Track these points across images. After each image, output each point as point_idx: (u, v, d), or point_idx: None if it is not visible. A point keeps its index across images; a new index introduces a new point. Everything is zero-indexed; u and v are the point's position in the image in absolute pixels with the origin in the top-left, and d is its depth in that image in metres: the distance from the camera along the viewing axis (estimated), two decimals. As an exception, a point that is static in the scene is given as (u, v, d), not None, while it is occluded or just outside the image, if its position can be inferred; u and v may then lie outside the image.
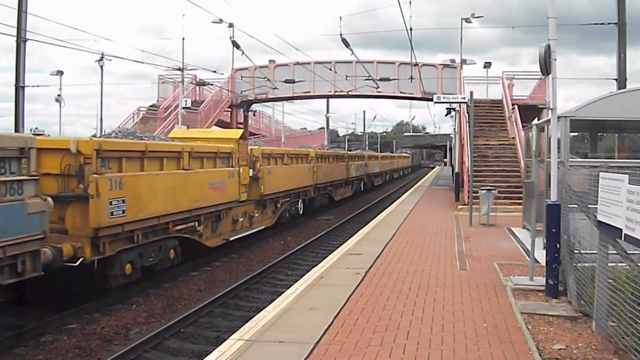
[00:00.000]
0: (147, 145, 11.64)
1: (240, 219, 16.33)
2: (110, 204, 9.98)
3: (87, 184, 9.59)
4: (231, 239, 15.54)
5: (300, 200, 22.96)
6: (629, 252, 5.75)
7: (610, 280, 5.95)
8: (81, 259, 9.48)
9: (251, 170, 17.20)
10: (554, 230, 7.92)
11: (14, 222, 7.94)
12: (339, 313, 7.19)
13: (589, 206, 6.72)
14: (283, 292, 8.89)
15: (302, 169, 23.27)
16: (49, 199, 8.71)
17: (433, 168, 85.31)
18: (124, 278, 10.71)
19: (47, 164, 9.53)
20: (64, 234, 9.57)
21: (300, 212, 23.14)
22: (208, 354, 5.96)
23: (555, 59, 8.10)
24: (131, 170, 10.88)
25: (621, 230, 5.38)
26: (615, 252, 5.98)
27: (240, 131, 18.97)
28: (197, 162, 13.55)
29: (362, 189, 38.27)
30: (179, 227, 12.53)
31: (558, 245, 7.92)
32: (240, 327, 6.91)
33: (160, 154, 12.02)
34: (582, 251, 7.31)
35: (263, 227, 18.21)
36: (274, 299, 8.38)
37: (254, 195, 17.44)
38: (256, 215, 17.66)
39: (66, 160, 9.65)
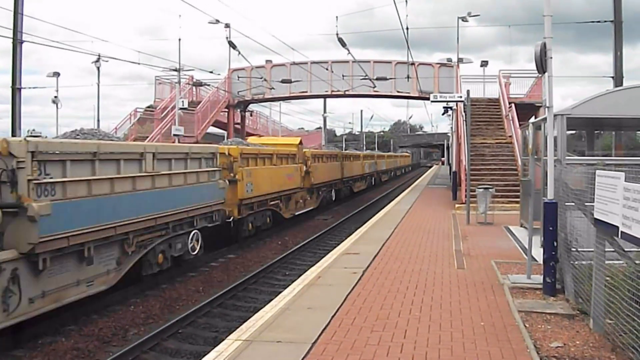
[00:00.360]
0: (259, 150, 18.66)
1: (300, 201, 22.73)
2: (246, 185, 16.12)
3: (236, 173, 15.69)
4: (296, 213, 22.03)
5: (332, 190, 29.35)
6: (625, 249, 5.76)
7: (607, 278, 5.96)
8: (232, 217, 15.55)
9: (304, 166, 23.15)
10: (551, 228, 7.92)
11: (213, 193, 13.59)
12: (336, 312, 7.19)
13: (586, 204, 6.73)
14: (281, 292, 8.88)
15: (334, 166, 29.71)
16: (226, 181, 14.62)
17: (430, 167, 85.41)
18: (248, 232, 17.06)
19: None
20: None
21: (333, 199, 29.63)
22: (206, 354, 5.95)
23: (551, 57, 8.10)
24: (252, 165, 17.22)
25: (618, 227, 5.39)
26: (612, 249, 5.99)
27: (299, 138, 26.59)
28: (279, 160, 20.06)
29: (373, 183, 44.87)
30: (271, 203, 18.98)
31: (555, 243, 7.93)
32: (238, 327, 6.91)
33: (264, 155, 18.64)
34: (579, 249, 7.32)
35: (311, 208, 24.46)
36: (272, 299, 8.36)
37: (307, 185, 23.56)
38: (308, 199, 24.13)
39: (221, 160, 14.75)
